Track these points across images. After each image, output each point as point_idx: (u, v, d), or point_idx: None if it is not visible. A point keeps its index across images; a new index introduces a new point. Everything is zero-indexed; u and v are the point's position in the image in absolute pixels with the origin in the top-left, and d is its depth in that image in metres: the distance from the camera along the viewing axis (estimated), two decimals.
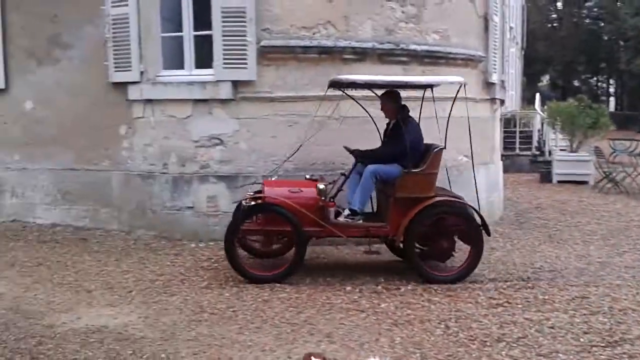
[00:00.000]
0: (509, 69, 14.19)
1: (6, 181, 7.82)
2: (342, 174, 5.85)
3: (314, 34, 6.75)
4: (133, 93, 7.09)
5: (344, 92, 6.02)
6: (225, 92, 6.70)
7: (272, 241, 5.59)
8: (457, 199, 5.52)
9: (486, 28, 8.09)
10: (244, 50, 6.64)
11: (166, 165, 7.01)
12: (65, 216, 7.54)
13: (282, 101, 6.72)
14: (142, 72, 7.00)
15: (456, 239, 5.52)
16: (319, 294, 4.92)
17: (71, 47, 7.35)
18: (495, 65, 8.34)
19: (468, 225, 5.40)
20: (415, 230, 5.32)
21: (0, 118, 7.76)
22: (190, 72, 6.98)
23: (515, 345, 3.87)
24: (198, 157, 6.85)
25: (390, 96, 5.82)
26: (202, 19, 6.81)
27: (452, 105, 5.76)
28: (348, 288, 5.09)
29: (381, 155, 5.65)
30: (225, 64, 6.68)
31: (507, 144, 14.91)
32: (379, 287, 5.13)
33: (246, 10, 6.56)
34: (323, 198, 5.26)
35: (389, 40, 6.93)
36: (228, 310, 4.50)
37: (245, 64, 6.66)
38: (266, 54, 6.70)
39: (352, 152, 5.77)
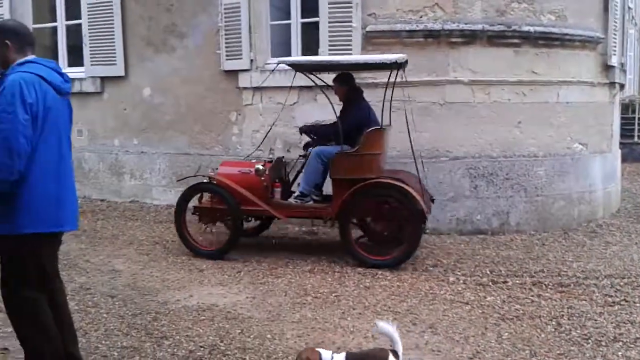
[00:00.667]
0: (628, 51, 13.12)
1: (126, 164, 8.39)
2: (301, 156, 6.03)
3: (420, 17, 6.62)
4: (243, 80, 7.33)
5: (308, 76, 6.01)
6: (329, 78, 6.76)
7: (216, 218, 5.80)
8: (398, 183, 5.26)
9: (606, 8, 7.53)
10: (349, 36, 6.66)
11: (272, 150, 7.20)
12: None
13: (385, 87, 6.66)
14: (251, 60, 7.21)
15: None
16: (422, 284, 4.87)
17: (186, 35, 7.70)
18: (615, 46, 7.76)
19: (407, 210, 5.19)
20: (349, 211, 5.31)
21: (120, 105, 8.31)
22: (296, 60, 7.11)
23: (632, 346, 3.64)
24: (302, 142, 6.97)
25: (338, 78, 5.86)
26: (310, 6, 6.89)
27: (392, 90, 5.60)
28: (451, 279, 5.00)
29: (318, 134, 5.86)
30: (330, 50, 6.72)
31: (625, 132, 13.86)
32: (485, 280, 4.99)
33: None
34: (262, 178, 5.50)
35: (500, 22, 6.65)
36: (331, 295, 4.57)
37: (350, 49, 6.67)
38: (371, 39, 6.67)
39: (300, 128, 6.03)
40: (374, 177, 5.30)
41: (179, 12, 7.70)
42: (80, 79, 8.38)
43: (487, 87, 6.68)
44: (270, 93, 7.21)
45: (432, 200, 5.78)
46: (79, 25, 8.39)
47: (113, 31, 7.99)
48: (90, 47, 8.23)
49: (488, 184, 6.70)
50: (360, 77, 6.35)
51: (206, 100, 7.65)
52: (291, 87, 6.39)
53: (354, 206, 5.36)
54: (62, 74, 2.86)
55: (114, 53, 8.05)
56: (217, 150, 7.67)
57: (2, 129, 2.54)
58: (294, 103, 7.08)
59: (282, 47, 7.33)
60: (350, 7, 6.60)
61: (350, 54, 6.66)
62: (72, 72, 8.61)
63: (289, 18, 7.16)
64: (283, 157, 6.39)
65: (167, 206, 7.84)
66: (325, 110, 6.74)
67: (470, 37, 6.62)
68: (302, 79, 6.89)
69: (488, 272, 5.17)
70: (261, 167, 5.56)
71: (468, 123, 6.65)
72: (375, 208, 5.46)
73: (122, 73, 8.14)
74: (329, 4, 6.67)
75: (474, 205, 6.68)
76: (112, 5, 7.97)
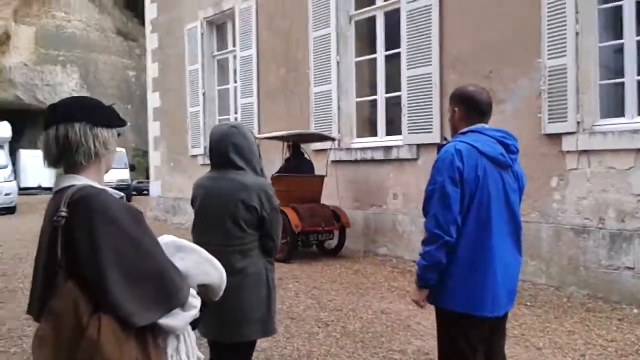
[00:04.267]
0: None
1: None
2: None
3: None
4: (567, 144, 6.93)
5: None
6: None
7: None
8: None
9: None
10: None
11: (602, 220, 6.58)
12: None
13: None
14: (578, 122, 6.80)
15: None
16: None
17: (504, 101, 7.66)
18: None
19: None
20: None
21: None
22: (631, 120, 6.48)
23: None
24: None
25: None
26: None
27: None
28: None
29: None
30: None
31: None
32: None
33: None
34: None
35: None
36: None
37: None
38: None
39: None
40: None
41: (497, 78, 7.72)
42: (398, 147, 8.95)
43: None
44: (600, 156, 6.65)
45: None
46: (398, 97, 9.03)
47: (431, 101, 8.39)
48: (408, 116, 8.75)
49: None
50: None
51: (524, 166, 7.38)
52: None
53: None
54: (507, 145, 2.76)
55: (431, 122, 8.42)
56: (534, 217, 7.32)
57: (430, 205, 2.61)
58: (630, 168, 6.39)
59: (613, 107, 6.75)
60: None
61: None
62: (390, 140, 9.31)
63: (620, 76, 6.60)
64: None
65: None
66: None
67: None
68: None
69: None
70: None
71: None
72: None
73: (438, 140, 8.43)
74: None
75: None
76: (431, 77, 8.40)
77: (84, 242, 1.64)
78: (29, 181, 23.90)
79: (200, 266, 1.97)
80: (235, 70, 12.82)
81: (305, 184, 9.15)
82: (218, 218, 2.90)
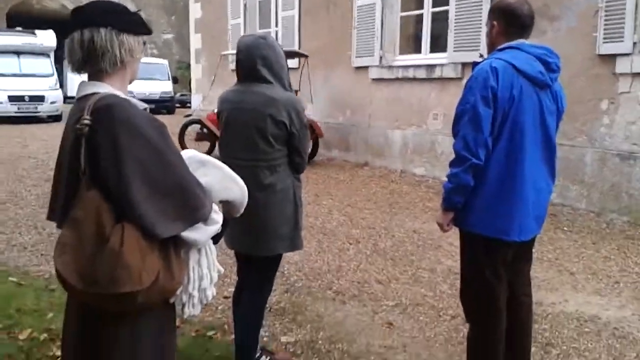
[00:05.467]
0: None
1: None
2: None
3: None
4: (621, 65, 6.53)
5: None
6: None
7: None
8: None
9: None
10: None
11: None
12: None
13: None
14: (634, 43, 6.37)
15: None
16: None
17: (558, 18, 7.21)
18: None
19: None
20: None
21: None
22: None
23: None
24: None
25: None
26: None
27: None
28: None
29: None
30: None
31: None
32: None
33: None
34: None
35: None
36: None
37: None
38: None
39: None
40: None
41: None
42: (442, 65, 8.64)
43: None
44: None
45: None
46: (445, 12, 8.62)
47: (480, 17, 7.97)
48: (455, 33, 8.38)
49: None
50: None
51: (574, 87, 7.06)
52: None
53: None
54: (548, 62, 2.57)
55: (479, 39, 8.04)
56: (580, 141, 7.06)
57: (460, 126, 2.49)
58: None
59: None
60: None
61: None
62: (434, 58, 8.99)
63: None
64: None
65: None
66: None
67: None
68: None
69: None
70: None
71: None
72: None
73: None
74: None
75: None
76: None
77: (108, 152, 1.63)
78: (73, 90, 24.39)
79: (223, 182, 1.96)
80: None
81: None
82: (245, 133, 2.87)
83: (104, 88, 1.76)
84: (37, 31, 18.27)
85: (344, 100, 10.79)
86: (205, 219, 1.78)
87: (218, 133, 3.23)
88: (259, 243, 2.88)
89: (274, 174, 2.88)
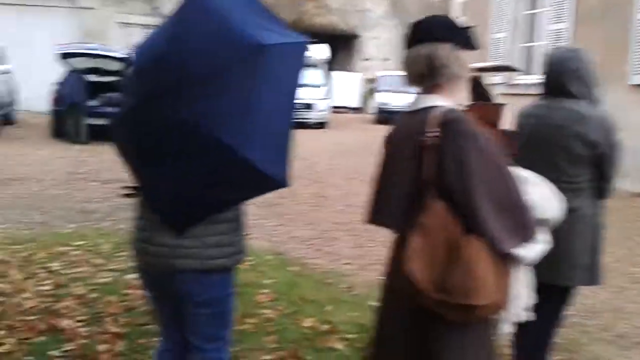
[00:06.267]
0: None
1: None
2: None
3: None
4: None
5: None
6: None
7: None
8: None
9: None
10: None
11: None
12: None
13: None
14: None
15: None
16: None
17: None
18: None
19: None
20: None
21: None
22: None
23: None
24: None
25: None
26: None
27: None
28: None
29: None
30: None
31: None
32: None
33: None
34: None
35: None
36: None
37: None
38: None
39: None
40: None
41: None
42: None
43: None
44: None
45: None
46: None
47: None
48: None
49: None
50: None
51: None
52: None
53: None
54: None
55: None
56: None
57: None
58: None
59: None
60: None
61: None
62: None
63: None
64: None
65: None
66: None
67: None
68: None
69: None
70: None
71: None
72: None
73: None
74: None
75: None
76: None
77: (455, 166, 1.67)
78: (337, 101, 26.04)
79: (545, 200, 1.88)
80: None
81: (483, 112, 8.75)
82: (549, 151, 2.70)
83: (442, 102, 1.79)
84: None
85: (617, 121, 9.69)
86: (532, 237, 1.74)
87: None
88: (558, 271, 2.68)
89: (577, 198, 2.66)
